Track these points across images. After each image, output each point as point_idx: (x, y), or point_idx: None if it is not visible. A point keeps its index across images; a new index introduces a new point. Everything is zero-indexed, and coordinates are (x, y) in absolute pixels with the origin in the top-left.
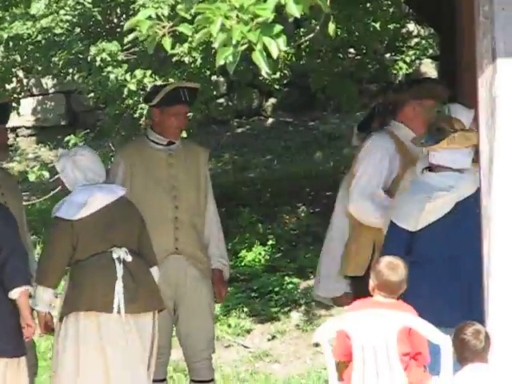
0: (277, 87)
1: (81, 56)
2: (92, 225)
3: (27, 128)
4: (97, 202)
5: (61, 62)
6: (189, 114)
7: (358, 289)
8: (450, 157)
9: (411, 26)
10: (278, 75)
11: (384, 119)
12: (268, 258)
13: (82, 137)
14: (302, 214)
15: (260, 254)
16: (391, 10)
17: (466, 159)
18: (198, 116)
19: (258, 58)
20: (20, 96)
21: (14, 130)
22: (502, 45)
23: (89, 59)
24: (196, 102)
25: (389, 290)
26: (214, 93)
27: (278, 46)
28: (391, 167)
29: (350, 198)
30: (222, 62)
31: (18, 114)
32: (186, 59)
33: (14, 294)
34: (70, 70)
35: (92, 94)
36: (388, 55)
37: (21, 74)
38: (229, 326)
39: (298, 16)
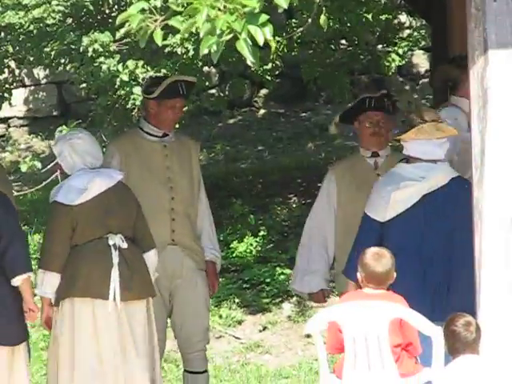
0: (268, 78)
1: (73, 46)
2: (91, 210)
3: (19, 118)
4: (95, 188)
5: (53, 53)
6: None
7: None
8: (420, 148)
9: (403, 18)
10: (269, 66)
11: (445, 95)
12: (259, 249)
13: (74, 127)
14: (294, 205)
15: (251, 245)
16: (383, 1)
17: (437, 150)
18: (189, 107)
19: (241, 46)
20: (12, 86)
21: (5, 120)
22: (494, 36)
23: (81, 50)
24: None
25: (376, 281)
26: (206, 84)
27: (264, 35)
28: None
29: None
30: (205, 51)
31: (10, 104)
32: (179, 50)
33: (17, 281)
34: (62, 61)
35: (84, 85)
36: (380, 46)
37: (13, 64)
38: (220, 316)
39: (286, 7)
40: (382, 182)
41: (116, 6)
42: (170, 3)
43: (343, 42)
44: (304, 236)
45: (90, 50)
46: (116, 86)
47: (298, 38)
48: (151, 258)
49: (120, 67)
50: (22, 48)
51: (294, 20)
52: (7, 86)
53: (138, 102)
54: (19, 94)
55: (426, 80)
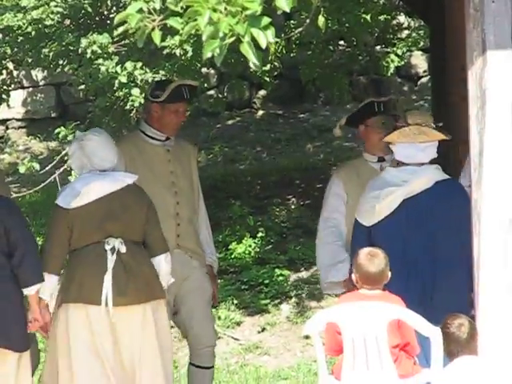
0: (267, 79)
1: (71, 48)
2: (88, 214)
3: (17, 120)
4: (92, 192)
5: (51, 54)
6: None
7: None
8: (403, 151)
9: (401, 18)
10: (268, 67)
11: None
12: (258, 250)
13: (72, 129)
14: (292, 207)
15: (250, 246)
16: (382, 1)
17: (420, 154)
18: (188, 108)
19: (246, 49)
20: (10, 88)
21: (4, 122)
22: (492, 37)
23: (79, 51)
24: None
25: (370, 281)
26: (205, 85)
27: (266, 38)
28: None
29: None
30: (209, 55)
31: (8, 106)
32: (177, 51)
33: (32, 290)
34: (61, 62)
35: (82, 86)
36: (378, 47)
37: (11, 65)
38: (219, 318)
39: (288, 10)
40: (369, 186)
41: (114, 8)
42: (169, 3)
43: (342, 43)
44: (321, 236)
45: (89, 51)
46: (114, 88)
47: (296, 39)
48: (161, 262)
49: (118, 69)
50: (21, 49)
51: (292, 21)
52: (5, 87)
53: (136, 104)
54: (17, 96)
55: (425, 81)
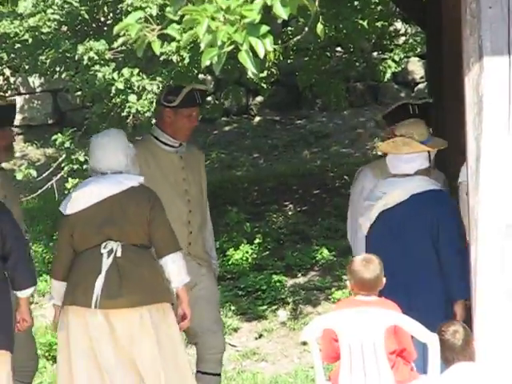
0: (264, 85)
1: (68, 55)
2: (88, 218)
3: (14, 127)
4: (91, 196)
5: (48, 61)
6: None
7: None
8: (390, 162)
9: (398, 25)
10: (265, 73)
11: None
12: (255, 256)
13: (70, 135)
14: (289, 213)
15: (247, 252)
16: (379, 8)
17: (404, 166)
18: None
19: (244, 58)
20: (7, 95)
21: None
22: (489, 43)
23: (76, 58)
24: None
25: (365, 287)
26: None
27: (264, 46)
28: None
29: None
30: (207, 63)
31: None
32: (174, 58)
33: (25, 293)
34: (57, 69)
35: (79, 93)
36: (375, 54)
37: (8, 72)
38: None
39: (286, 18)
40: (364, 197)
41: (111, 15)
42: (167, 12)
43: (339, 49)
44: (351, 232)
45: (85, 58)
46: (111, 94)
47: (293, 46)
48: (167, 263)
49: (115, 75)
50: (17, 56)
51: (289, 28)
52: (2, 93)
53: (133, 110)
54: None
55: (422, 87)
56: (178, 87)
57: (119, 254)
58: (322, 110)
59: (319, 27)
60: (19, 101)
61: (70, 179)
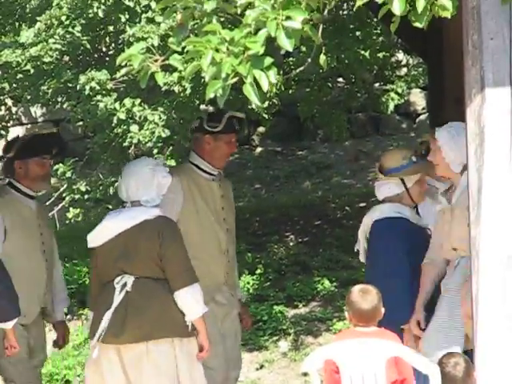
0: (265, 116)
1: (70, 85)
2: (105, 253)
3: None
4: (110, 230)
5: (50, 91)
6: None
7: None
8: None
9: (400, 56)
10: (266, 104)
11: None
12: (256, 287)
13: (71, 165)
14: (291, 244)
15: (248, 283)
16: (380, 39)
17: (381, 191)
18: (186, 145)
19: (248, 90)
20: (9, 124)
21: (2, 158)
22: (491, 74)
23: (78, 88)
24: (184, 131)
25: (363, 318)
26: None
27: (268, 79)
28: None
29: None
30: (212, 95)
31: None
32: (176, 88)
33: (9, 325)
34: (59, 99)
35: (81, 123)
36: (377, 84)
37: (10, 102)
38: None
39: (291, 50)
40: None
41: (113, 45)
42: (170, 43)
43: (340, 79)
44: None
45: (87, 88)
46: (113, 124)
47: (295, 76)
48: (179, 298)
49: (117, 105)
50: (19, 86)
51: (291, 58)
52: (4, 123)
53: (134, 140)
54: (16, 132)
55: (423, 118)
56: (218, 113)
57: (129, 287)
58: (323, 141)
59: (322, 58)
60: (21, 131)
61: (71, 209)
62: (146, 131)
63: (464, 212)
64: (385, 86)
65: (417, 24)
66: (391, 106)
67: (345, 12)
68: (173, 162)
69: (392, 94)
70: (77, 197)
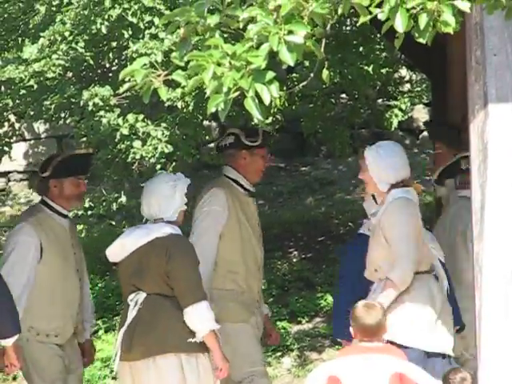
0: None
1: (73, 100)
2: (124, 269)
3: (19, 172)
4: (126, 246)
5: (53, 107)
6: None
7: None
8: None
9: (403, 72)
10: (270, 120)
11: None
12: None
13: None
14: (294, 260)
15: None
16: (383, 54)
17: (366, 207)
18: (189, 161)
19: (250, 105)
20: (12, 140)
21: (5, 174)
22: (494, 90)
23: (81, 104)
24: (187, 147)
25: (368, 333)
26: (206, 138)
27: (270, 93)
28: None
29: None
30: (213, 110)
31: (10, 158)
32: (179, 104)
33: (10, 341)
34: (62, 115)
35: (84, 139)
36: (380, 100)
37: (13, 118)
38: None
39: (292, 64)
40: None
41: (116, 61)
42: (173, 58)
43: (343, 95)
44: None
45: (91, 103)
46: (116, 140)
47: (298, 92)
48: (188, 314)
49: (120, 121)
50: (22, 102)
51: (294, 74)
52: (7, 139)
53: (137, 156)
54: (19, 148)
55: (427, 134)
56: (252, 128)
57: (140, 304)
58: (326, 157)
59: (325, 72)
60: (24, 147)
61: None
62: (148, 147)
63: (380, 233)
64: (388, 102)
65: (420, 40)
66: (395, 123)
67: (348, 27)
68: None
69: (396, 111)
70: (80, 213)
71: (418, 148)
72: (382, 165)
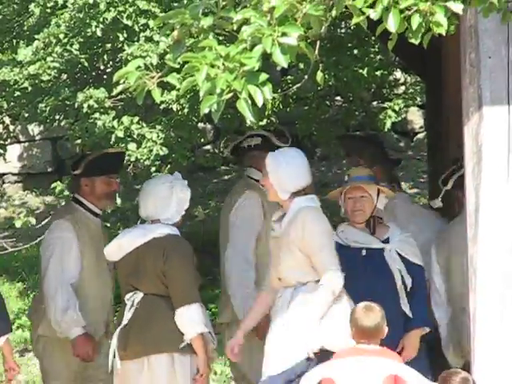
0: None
1: (68, 103)
2: (121, 268)
3: (14, 175)
4: (119, 250)
5: (48, 109)
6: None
7: None
8: None
9: (398, 74)
10: (264, 122)
11: None
12: None
13: (69, 183)
14: None
15: None
16: (378, 57)
17: None
18: (184, 163)
19: (242, 106)
20: (6, 142)
21: (0, 176)
22: (489, 93)
23: (76, 106)
24: (182, 150)
25: (365, 335)
26: (201, 140)
27: (263, 94)
28: None
29: None
30: (206, 111)
31: (5, 160)
32: (174, 107)
33: (1, 340)
34: (57, 117)
35: (79, 141)
36: (375, 103)
37: (7, 120)
38: (215, 373)
39: (286, 66)
40: None
41: (111, 63)
42: (167, 60)
43: (338, 98)
44: None
45: (85, 106)
46: (111, 142)
47: (293, 94)
48: (178, 316)
49: (115, 123)
50: (17, 104)
51: (289, 76)
52: (2, 141)
53: (132, 158)
54: (14, 150)
55: (421, 136)
56: (279, 130)
57: (137, 304)
58: (321, 159)
59: (319, 74)
60: (18, 149)
61: None
62: (143, 149)
63: (290, 243)
64: (383, 105)
65: (413, 40)
66: (388, 124)
67: (343, 30)
68: None
69: (389, 112)
70: None
71: (413, 150)
72: (282, 173)
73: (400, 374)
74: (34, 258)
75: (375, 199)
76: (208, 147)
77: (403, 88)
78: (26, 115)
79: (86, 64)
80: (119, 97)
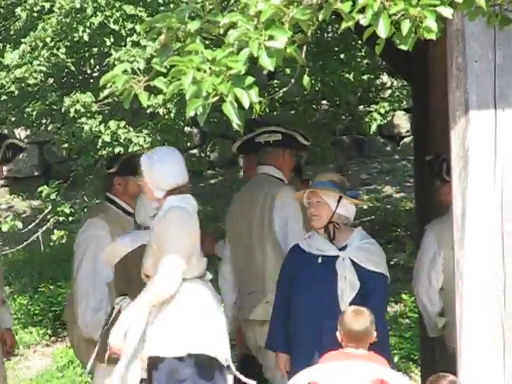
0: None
1: (54, 107)
2: (115, 273)
3: (0, 179)
4: (117, 252)
5: (34, 113)
6: None
7: None
8: None
9: (384, 78)
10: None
11: None
12: None
13: (55, 187)
14: None
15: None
16: (365, 61)
17: None
18: None
19: (228, 109)
20: None
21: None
22: (475, 97)
23: (62, 110)
24: None
25: (354, 339)
26: (188, 144)
27: (249, 97)
28: None
29: None
30: (192, 114)
31: None
32: (161, 111)
33: None
34: (44, 121)
35: (65, 145)
36: (361, 107)
37: None
38: None
39: (272, 69)
40: None
41: (98, 67)
42: (154, 64)
43: (324, 102)
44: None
45: (72, 110)
46: (98, 147)
47: (279, 99)
48: None
49: (102, 127)
50: (4, 108)
51: (275, 81)
52: None
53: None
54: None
55: (407, 141)
56: (298, 128)
57: (123, 309)
58: (307, 164)
59: (305, 79)
60: None
61: (55, 231)
62: None
63: (152, 241)
64: (369, 108)
65: (402, 46)
66: (373, 127)
67: (329, 34)
68: None
69: (375, 115)
70: (61, 219)
71: (399, 154)
72: (156, 171)
73: (386, 379)
74: (20, 262)
75: (333, 205)
76: (194, 151)
77: (390, 92)
78: (13, 119)
79: (73, 68)
80: (106, 101)
